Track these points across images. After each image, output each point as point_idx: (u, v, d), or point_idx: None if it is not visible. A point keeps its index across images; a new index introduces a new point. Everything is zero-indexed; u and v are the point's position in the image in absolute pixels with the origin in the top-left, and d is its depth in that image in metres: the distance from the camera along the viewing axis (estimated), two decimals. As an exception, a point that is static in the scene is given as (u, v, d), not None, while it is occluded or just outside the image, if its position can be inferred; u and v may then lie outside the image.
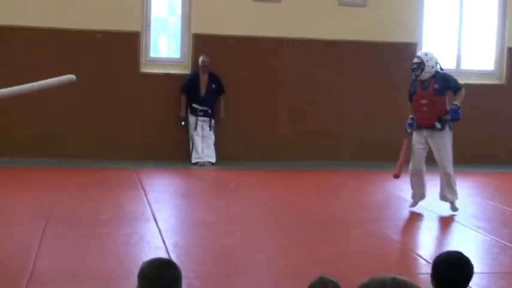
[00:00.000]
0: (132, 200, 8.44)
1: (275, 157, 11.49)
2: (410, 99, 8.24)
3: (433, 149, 8.03)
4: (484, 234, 7.38)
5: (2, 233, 6.64)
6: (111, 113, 11.07)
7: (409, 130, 8.11)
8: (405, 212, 8.49)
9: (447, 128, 7.95)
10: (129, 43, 11.32)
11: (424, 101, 7.94)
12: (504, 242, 7.01)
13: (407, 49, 12.01)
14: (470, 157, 12.01)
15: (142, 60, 11.54)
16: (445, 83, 7.94)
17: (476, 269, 5.62)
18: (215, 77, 11.34)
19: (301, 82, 11.75)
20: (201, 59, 11.25)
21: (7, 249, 6.10)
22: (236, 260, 6.11)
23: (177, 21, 11.87)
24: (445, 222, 7.93)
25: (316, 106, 11.73)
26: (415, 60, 7.97)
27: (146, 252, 6.16)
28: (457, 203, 8.11)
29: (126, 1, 11.24)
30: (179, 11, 11.80)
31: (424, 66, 7.84)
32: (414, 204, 8.14)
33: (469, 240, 7.24)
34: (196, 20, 11.53)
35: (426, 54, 8.02)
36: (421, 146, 8.04)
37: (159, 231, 6.85)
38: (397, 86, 11.69)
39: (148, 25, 11.62)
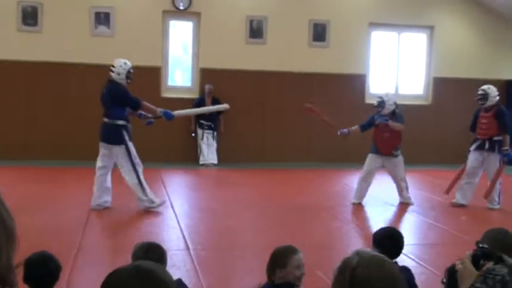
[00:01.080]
0: (155, 192, 8.43)
1: (262, 159, 11.51)
2: (365, 129, 8.08)
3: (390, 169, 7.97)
4: (417, 216, 7.43)
5: (58, 215, 6.65)
6: (140, 126, 11.02)
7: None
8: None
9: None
10: (153, 75, 11.33)
11: (386, 134, 7.75)
12: (431, 221, 7.06)
13: (358, 79, 12.11)
14: (407, 158, 12.07)
15: (163, 87, 11.55)
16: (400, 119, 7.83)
17: (410, 241, 5.73)
18: (217, 100, 11.33)
19: (281, 104, 11.78)
20: (206, 86, 11.27)
21: (61, 228, 6.11)
22: (232, 237, 6.14)
23: (189, 58, 11.89)
24: (389, 208, 7.97)
25: (292, 122, 11.76)
26: (378, 99, 7.80)
27: (166, 230, 6.18)
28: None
29: (150, 44, 11.26)
30: (190, 51, 11.83)
31: (385, 104, 7.71)
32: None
33: (405, 220, 7.28)
34: (203, 57, 11.56)
35: (386, 95, 7.87)
36: (377, 165, 7.89)
37: (175, 215, 6.85)
38: (349, 108, 11.77)
39: (167, 62, 11.65)
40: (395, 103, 7.80)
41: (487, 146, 7.81)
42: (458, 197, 7.95)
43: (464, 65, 12.54)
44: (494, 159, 7.78)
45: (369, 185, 7.90)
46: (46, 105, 10.93)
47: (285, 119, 11.79)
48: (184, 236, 5.87)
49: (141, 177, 6.94)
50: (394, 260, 3.17)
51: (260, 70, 11.59)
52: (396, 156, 7.81)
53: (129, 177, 6.89)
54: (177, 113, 7.48)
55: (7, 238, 1.30)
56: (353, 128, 8.13)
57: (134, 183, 6.89)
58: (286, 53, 11.68)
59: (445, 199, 8.16)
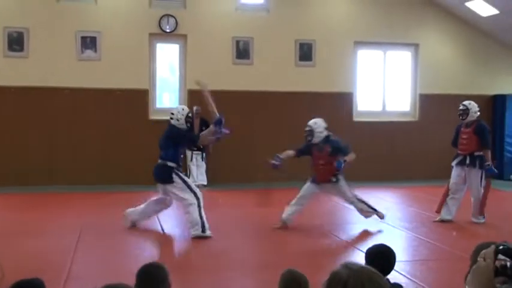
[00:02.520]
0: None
1: (250, 180, 11.49)
2: (301, 155, 7.74)
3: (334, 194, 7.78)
4: (407, 232, 7.43)
5: (47, 241, 6.59)
6: (129, 148, 11.04)
7: None
8: (348, 217, 8.52)
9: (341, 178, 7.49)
10: (140, 97, 11.34)
11: (322, 162, 7.44)
12: (422, 237, 7.06)
13: (346, 97, 12.19)
14: (395, 174, 12.13)
15: (151, 110, 11.55)
16: (334, 147, 7.44)
17: (401, 258, 5.71)
18: (205, 121, 11.34)
19: (269, 123, 11.82)
20: (194, 108, 11.25)
21: (51, 253, 6.04)
22: (224, 258, 6.09)
23: (176, 80, 11.92)
24: (378, 224, 7.96)
25: (280, 140, 11.76)
26: (307, 128, 7.47)
27: (156, 253, 6.12)
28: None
29: (137, 67, 11.28)
30: (177, 73, 11.87)
31: (314, 132, 7.38)
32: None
33: (396, 237, 7.26)
34: (190, 79, 11.55)
35: (315, 123, 7.48)
36: (314, 191, 7.64)
37: (166, 237, 6.81)
38: (337, 126, 11.80)
39: (154, 84, 11.67)
40: (326, 129, 7.47)
41: (468, 161, 7.86)
42: (443, 213, 7.97)
43: (449, 82, 12.69)
44: (476, 175, 7.81)
45: (302, 207, 7.55)
46: (33, 130, 10.87)
47: (273, 138, 11.80)
48: (175, 258, 5.82)
49: (201, 205, 7.05)
50: (386, 277, 3.17)
51: (247, 90, 11.65)
52: (336, 181, 7.48)
53: (190, 208, 6.96)
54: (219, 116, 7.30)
55: None
56: (287, 153, 7.71)
57: (194, 213, 6.94)
58: (273, 73, 11.75)
59: (435, 215, 8.17)
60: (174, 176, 7.01)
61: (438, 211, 8.05)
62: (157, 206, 7.36)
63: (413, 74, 12.81)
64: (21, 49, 10.78)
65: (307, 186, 7.65)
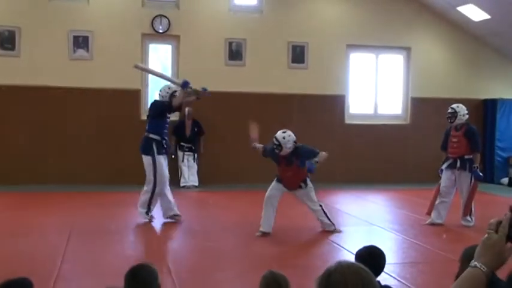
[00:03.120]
0: (135, 215, 8.35)
1: (243, 180, 11.50)
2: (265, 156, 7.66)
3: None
4: (397, 234, 7.45)
5: (36, 240, 6.56)
6: (120, 149, 11.01)
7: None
8: (339, 220, 8.52)
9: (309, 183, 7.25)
10: (132, 97, 11.32)
11: (289, 174, 7.19)
12: (412, 240, 7.08)
13: (338, 99, 12.22)
14: (387, 177, 12.18)
15: (143, 110, 11.52)
16: (304, 157, 7.22)
17: (391, 260, 5.74)
18: (197, 122, 11.38)
19: (261, 125, 11.74)
20: (186, 109, 11.26)
21: (40, 254, 6.02)
22: (215, 259, 6.08)
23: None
24: (369, 226, 7.99)
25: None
26: (275, 141, 7.24)
27: (147, 254, 6.11)
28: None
29: (129, 67, 11.18)
30: (170, 73, 11.83)
31: (282, 147, 7.15)
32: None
33: (386, 239, 7.28)
34: (182, 79, 11.56)
35: (284, 138, 7.22)
36: (280, 192, 7.31)
37: (157, 238, 6.80)
38: (329, 128, 11.88)
39: (146, 85, 11.64)
40: (294, 142, 7.20)
41: (458, 164, 7.89)
42: (433, 217, 8.00)
43: (441, 85, 12.76)
44: (466, 178, 7.85)
45: (274, 209, 7.21)
46: (24, 129, 10.82)
47: (266, 140, 11.79)
48: (166, 259, 5.81)
49: (158, 192, 7.50)
50: (376, 279, 3.17)
51: (239, 92, 11.65)
52: (305, 186, 7.24)
53: (147, 187, 7.49)
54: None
55: None
56: (258, 146, 7.73)
57: (146, 192, 7.46)
58: (266, 75, 11.76)
59: (426, 218, 8.20)
60: (153, 149, 7.47)
61: (429, 213, 8.08)
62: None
63: (405, 78, 12.86)
64: (13, 48, 10.74)
65: (274, 186, 7.30)
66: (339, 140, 12.09)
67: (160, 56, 11.98)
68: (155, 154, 7.48)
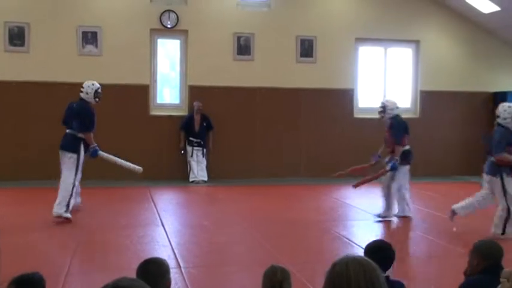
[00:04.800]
0: (145, 210, 8.40)
1: (252, 175, 11.51)
2: None
3: None
4: (408, 229, 7.43)
5: (45, 235, 6.60)
6: (129, 144, 11.01)
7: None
8: (349, 214, 8.53)
9: None
10: (141, 93, 11.34)
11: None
12: (422, 234, 7.06)
13: (346, 93, 12.18)
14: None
15: (151, 105, 11.55)
16: None
17: (401, 254, 5.70)
18: (206, 117, 11.37)
19: (269, 120, 11.81)
20: (195, 104, 11.28)
21: (50, 249, 6.05)
22: (223, 254, 6.09)
23: (177, 76, 11.90)
24: (378, 221, 7.96)
25: (281, 137, 11.80)
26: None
27: (156, 249, 6.12)
28: None
29: (138, 62, 11.28)
30: (178, 69, 11.85)
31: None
32: None
33: (396, 233, 7.27)
34: (191, 75, 11.59)
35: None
36: None
37: (166, 233, 6.81)
38: (338, 122, 11.85)
39: (155, 80, 11.66)
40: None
41: (386, 159, 7.86)
42: (384, 211, 7.90)
43: (450, 78, 12.68)
44: (399, 169, 7.75)
45: None
46: (34, 125, 10.86)
47: (274, 135, 11.81)
48: (175, 254, 5.83)
49: (74, 190, 7.42)
50: (386, 274, 3.16)
51: (248, 86, 11.64)
52: None
53: (65, 184, 7.33)
54: (100, 153, 7.84)
55: None
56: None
57: (66, 190, 7.28)
58: (274, 69, 11.74)
59: (437, 212, 8.15)
60: (79, 149, 7.43)
61: (356, 186, 8.05)
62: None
63: (414, 71, 12.79)
64: (22, 44, 10.77)
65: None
66: (348, 134, 12.06)
67: (168, 51, 11.99)
68: (80, 153, 7.48)
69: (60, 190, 7.32)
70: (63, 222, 7.20)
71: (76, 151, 7.44)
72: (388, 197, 7.87)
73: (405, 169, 7.81)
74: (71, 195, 7.32)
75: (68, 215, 7.23)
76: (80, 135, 7.51)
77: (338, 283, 1.86)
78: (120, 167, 8.00)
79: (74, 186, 7.40)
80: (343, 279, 1.85)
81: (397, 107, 7.96)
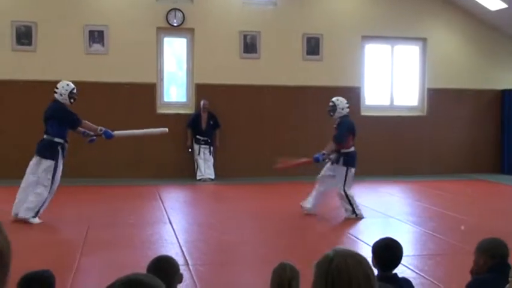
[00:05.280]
0: (153, 208, 8.42)
1: (259, 173, 11.51)
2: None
3: None
4: (415, 227, 7.41)
5: (55, 234, 6.63)
6: (136, 142, 11.04)
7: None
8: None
9: None
10: (148, 91, 11.37)
11: None
12: (430, 232, 7.04)
13: (353, 91, 12.15)
14: (403, 169, 12.11)
15: (158, 103, 11.58)
16: None
17: (409, 252, 5.71)
18: (213, 115, 11.39)
19: (276, 117, 11.81)
20: (202, 102, 11.30)
21: (59, 246, 6.08)
22: (231, 252, 6.11)
23: (183, 74, 11.93)
24: (386, 218, 7.95)
25: (287, 134, 11.80)
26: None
27: (164, 247, 6.14)
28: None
29: (144, 61, 11.30)
30: (185, 67, 11.88)
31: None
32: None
33: (403, 231, 7.25)
34: (197, 73, 11.60)
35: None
36: None
37: (174, 231, 6.83)
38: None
39: (162, 78, 11.68)
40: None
41: (333, 158, 7.77)
42: (308, 205, 7.88)
43: (457, 76, 12.64)
44: (340, 171, 7.69)
45: None
46: (41, 124, 10.89)
47: (281, 133, 11.81)
48: (183, 252, 5.84)
49: (50, 196, 7.19)
50: (393, 271, 3.16)
51: (255, 84, 11.65)
52: None
53: (40, 190, 7.11)
54: (116, 133, 7.71)
55: (1, 266, 1.29)
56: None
57: (40, 196, 7.09)
58: (280, 67, 11.74)
59: (443, 210, 8.13)
60: (57, 155, 7.16)
61: (279, 168, 8.21)
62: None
63: (421, 69, 12.76)
64: (29, 43, 10.83)
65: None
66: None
67: (175, 50, 12.01)
68: (59, 159, 7.18)
69: (29, 194, 7.06)
70: (71, 220, 7.23)
71: (53, 157, 7.12)
72: (318, 194, 7.87)
73: (344, 171, 7.67)
74: (45, 202, 7.10)
75: (37, 220, 7.05)
76: (57, 139, 7.18)
77: (337, 279, 1.83)
78: (144, 136, 7.85)
79: (49, 193, 7.14)
80: (344, 275, 1.82)
81: (347, 107, 7.88)
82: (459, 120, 12.72)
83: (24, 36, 10.81)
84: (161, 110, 11.49)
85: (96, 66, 10.97)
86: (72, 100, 7.44)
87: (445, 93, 12.55)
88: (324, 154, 7.74)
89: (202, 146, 11.25)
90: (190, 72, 11.70)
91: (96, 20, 11.06)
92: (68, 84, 7.44)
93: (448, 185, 10.90)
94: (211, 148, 11.30)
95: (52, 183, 7.16)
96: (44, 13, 10.85)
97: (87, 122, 7.49)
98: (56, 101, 7.41)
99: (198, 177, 11.13)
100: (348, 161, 7.68)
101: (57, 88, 7.43)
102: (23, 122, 10.83)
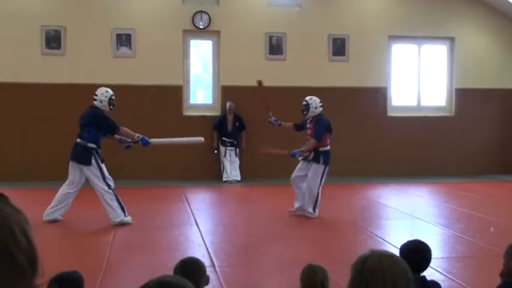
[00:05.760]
0: (179, 209, 8.47)
1: (285, 175, 11.45)
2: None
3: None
4: (443, 228, 7.32)
5: (82, 238, 6.71)
6: (164, 145, 11.12)
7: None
8: (382, 213, 8.44)
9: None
10: (175, 94, 11.45)
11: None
12: (458, 234, 6.95)
13: (380, 92, 12.07)
14: (431, 170, 11.98)
15: (185, 106, 11.65)
16: None
17: (437, 254, 5.65)
18: (238, 117, 11.42)
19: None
20: (228, 104, 11.33)
21: (87, 248, 6.16)
22: (257, 253, 6.11)
23: (209, 76, 11.99)
24: (413, 220, 7.87)
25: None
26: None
27: (191, 248, 6.17)
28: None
29: (171, 63, 11.39)
30: (211, 69, 11.93)
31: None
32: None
33: (431, 233, 7.17)
34: (223, 75, 11.64)
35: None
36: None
37: (200, 232, 6.86)
38: (372, 121, 11.73)
39: (188, 81, 11.75)
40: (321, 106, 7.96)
41: (311, 156, 7.75)
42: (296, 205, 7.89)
43: (486, 76, 12.45)
44: (317, 170, 7.66)
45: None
46: (71, 127, 11.05)
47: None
48: (209, 253, 5.87)
49: (114, 191, 7.23)
50: (422, 274, 3.13)
51: (281, 86, 11.62)
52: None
53: (106, 196, 7.17)
54: (153, 140, 7.73)
55: (31, 268, 1.32)
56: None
57: (110, 201, 7.16)
58: (306, 68, 11.71)
59: (469, 210, 8.01)
60: (92, 158, 7.14)
61: (262, 154, 8.37)
62: (69, 189, 7.31)
63: (449, 68, 12.59)
64: (59, 47, 11.00)
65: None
66: (381, 133, 11.95)
67: (201, 52, 12.07)
68: (99, 163, 7.19)
69: (106, 205, 7.15)
70: (98, 221, 7.32)
71: (88, 163, 7.13)
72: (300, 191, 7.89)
73: (322, 169, 7.67)
74: (117, 200, 7.19)
75: (128, 219, 7.19)
76: (90, 144, 7.19)
77: (371, 277, 1.83)
78: (180, 145, 7.93)
79: (114, 193, 7.21)
80: (378, 274, 1.83)
81: (321, 106, 7.90)
82: (487, 120, 12.52)
83: (53, 40, 10.99)
84: (187, 112, 11.56)
85: (124, 70, 11.09)
86: (111, 107, 7.41)
87: (473, 93, 12.37)
88: (302, 151, 7.77)
89: (228, 147, 11.28)
90: (216, 74, 11.75)
91: (124, 24, 11.19)
92: (107, 91, 7.41)
93: (475, 186, 10.74)
94: (237, 150, 11.33)
95: (107, 183, 7.18)
96: (72, 18, 11.02)
97: (125, 128, 7.52)
98: (93, 106, 7.39)
99: (224, 179, 11.16)
100: (327, 159, 7.74)
101: (96, 95, 7.39)
102: (53, 124, 11.00)
